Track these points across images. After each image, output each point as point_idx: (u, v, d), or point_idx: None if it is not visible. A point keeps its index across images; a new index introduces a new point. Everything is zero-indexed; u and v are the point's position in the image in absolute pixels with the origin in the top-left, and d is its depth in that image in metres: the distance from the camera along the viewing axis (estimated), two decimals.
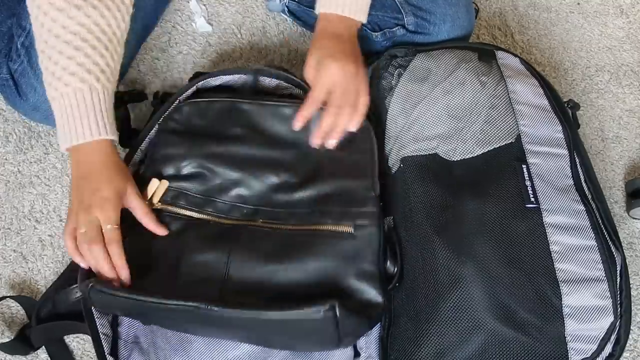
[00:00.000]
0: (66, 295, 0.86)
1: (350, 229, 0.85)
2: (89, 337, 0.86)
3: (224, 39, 1.22)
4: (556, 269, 0.82)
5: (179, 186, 0.90)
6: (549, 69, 1.22)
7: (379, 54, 1.04)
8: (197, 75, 1.06)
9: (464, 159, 0.91)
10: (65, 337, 0.96)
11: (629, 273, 0.86)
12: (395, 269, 0.85)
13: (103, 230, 0.82)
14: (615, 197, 1.11)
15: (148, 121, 1.00)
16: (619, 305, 0.82)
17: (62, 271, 0.99)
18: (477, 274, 0.82)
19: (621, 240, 0.88)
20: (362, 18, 0.97)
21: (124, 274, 0.82)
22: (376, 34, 1.09)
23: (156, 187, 0.89)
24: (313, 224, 0.86)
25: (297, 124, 0.92)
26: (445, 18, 1.05)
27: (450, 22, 1.05)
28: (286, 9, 1.19)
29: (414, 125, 0.94)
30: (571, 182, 0.89)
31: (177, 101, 0.99)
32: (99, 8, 0.84)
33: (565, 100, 1.01)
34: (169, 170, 0.91)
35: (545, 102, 0.96)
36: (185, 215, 0.88)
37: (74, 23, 0.82)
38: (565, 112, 0.97)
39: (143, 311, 0.82)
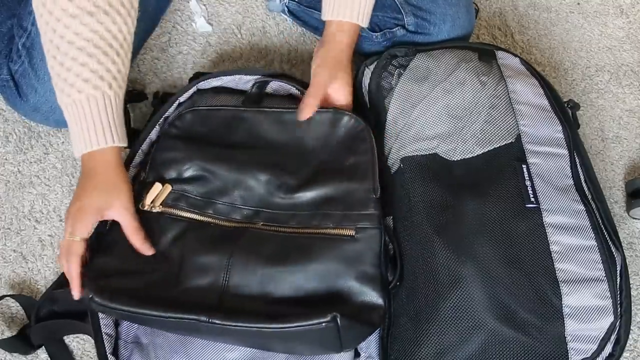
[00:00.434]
0: (66, 295, 0.86)
1: (351, 232, 0.84)
2: (89, 337, 0.87)
3: (224, 39, 1.22)
4: (556, 269, 0.82)
5: (180, 189, 0.90)
6: (549, 69, 1.22)
7: (379, 54, 1.04)
8: (197, 76, 1.06)
9: (464, 158, 0.91)
10: (65, 337, 0.96)
11: (629, 273, 0.86)
12: (396, 270, 0.85)
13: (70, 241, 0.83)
14: (615, 197, 1.11)
15: (148, 121, 1.00)
16: (619, 305, 0.82)
17: (62, 271, 0.99)
18: (477, 274, 0.82)
19: (621, 240, 0.88)
20: (365, 23, 0.98)
21: (75, 286, 0.83)
22: (376, 34, 1.09)
23: (159, 191, 0.89)
24: (314, 226, 0.86)
25: (304, 115, 0.92)
26: (446, 18, 1.05)
27: (451, 22, 1.05)
28: (286, 9, 1.19)
29: (413, 125, 0.94)
30: (571, 182, 0.89)
31: (177, 101, 0.99)
32: (110, 14, 0.83)
33: (565, 100, 1.01)
34: (171, 174, 0.91)
35: (545, 102, 0.96)
36: (186, 217, 0.88)
37: (87, 30, 0.82)
38: (565, 112, 0.97)
39: (143, 322, 0.84)
